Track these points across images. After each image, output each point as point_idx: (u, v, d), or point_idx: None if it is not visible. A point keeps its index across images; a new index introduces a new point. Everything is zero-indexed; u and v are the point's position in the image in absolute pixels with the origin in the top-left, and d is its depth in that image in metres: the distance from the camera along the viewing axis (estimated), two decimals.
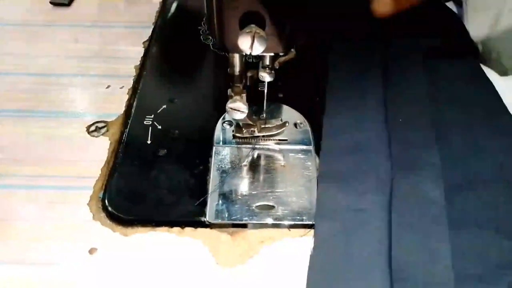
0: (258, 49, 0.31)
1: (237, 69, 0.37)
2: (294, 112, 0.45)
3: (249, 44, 0.31)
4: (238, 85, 0.38)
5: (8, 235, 0.35)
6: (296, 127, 0.44)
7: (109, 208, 0.37)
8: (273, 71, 0.37)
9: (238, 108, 0.38)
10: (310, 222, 0.36)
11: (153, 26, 0.57)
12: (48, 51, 0.53)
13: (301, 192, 0.39)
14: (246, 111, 0.38)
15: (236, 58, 0.36)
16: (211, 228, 0.36)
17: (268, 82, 0.39)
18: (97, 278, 0.33)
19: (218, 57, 0.40)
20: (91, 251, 0.34)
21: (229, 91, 0.39)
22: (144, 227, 0.36)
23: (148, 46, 0.54)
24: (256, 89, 0.43)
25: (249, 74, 0.37)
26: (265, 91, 0.40)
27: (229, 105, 0.38)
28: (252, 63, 0.43)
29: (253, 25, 0.31)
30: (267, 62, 0.37)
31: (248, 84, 0.38)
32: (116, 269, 0.33)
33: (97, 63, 0.52)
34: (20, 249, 0.34)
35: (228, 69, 0.37)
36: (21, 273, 0.33)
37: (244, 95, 0.38)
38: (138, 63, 0.51)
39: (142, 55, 0.53)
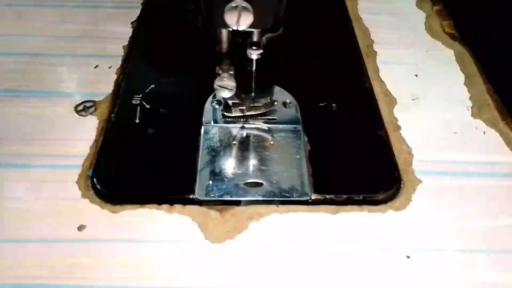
0: (244, 23, 0.31)
1: (224, 45, 0.37)
2: (283, 91, 0.45)
3: (236, 18, 0.31)
4: (226, 62, 0.38)
5: (1, 214, 0.35)
6: (285, 106, 0.44)
7: (98, 186, 0.37)
8: (260, 49, 0.37)
9: (226, 86, 0.38)
10: (298, 199, 0.37)
11: (141, 7, 0.56)
12: (36, 31, 0.52)
13: (289, 170, 0.39)
14: (234, 89, 0.38)
15: (224, 34, 0.36)
16: (200, 205, 0.36)
17: (257, 62, 0.39)
18: (87, 254, 0.33)
19: (207, 36, 0.40)
20: (80, 228, 0.35)
21: (217, 68, 0.38)
22: (132, 204, 0.36)
23: (136, 26, 0.53)
24: (245, 68, 0.42)
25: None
26: (253, 69, 0.40)
27: (217, 82, 0.38)
28: (240, 42, 0.43)
29: (239, 0, 0.31)
30: (255, 38, 0.36)
31: (236, 61, 0.38)
32: (105, 245, 0.34)
33: (85, 43, 0.51)
34: (11, 227, 0.34)
35: (216, 47, 0.37)
36: (13, 250, 0.33)
37: (232, 73, 0.38)
38: (127, 43, 0.51)
39: (130, 35, 0.52)
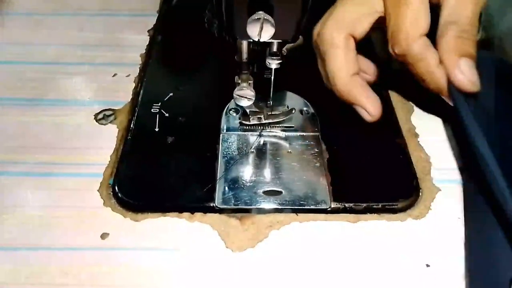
0: (266, 35, 0.31)
1: (244, 56, 0.37)
2: (301, 99, 0.46)
3: (258, 31, 0.31)
4: (245, 72, 0.38)
5: (22, 221, 0.36)
6: (302, 114, 0.45)
7: (119, 194, 0.38)
8: (280, 59, 0.37)
9: (245, 95, 0.38)
10: (317, 207, 0.37)
11: (157, 14, 0.57)
12: (54, 39, 0.53)
13: (308, 178, 0.39)
14: (253, 98, 0.39)
15: (244, 45, 0.37)
16: (220, 213, 0.37)
17: (275, 70, 0.39)
18: (110, 262, 0.34)
19: (223, 44, 0.40)
20: (103, 236, 0.35)
21: (236, 78, 0.39)
22: (154, 212, 0.37)
23: (153, 34, 0.54)
24: (263, 77, 0.43)
25: None
26: (272, 78, 0.40)
27: (237, 92, 0.38)
28: (258, 50, 0.43)
29: (261, 12, 0.31)
30: (274, 49, 0.37)
31: (255, 71, 0.38)
32: (128, 253, 0.34)
33: (103, 51, 0.52)
34: (34, 234, 0.35)
35: (235, 56, 0.38)
36: (37, 257, 0.34)
37: (251, 82, 0.39)
38: (144, 51, 0.52)
39: (147, 43, 0.53)
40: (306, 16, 0.33)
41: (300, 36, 0.36)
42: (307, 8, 0.33)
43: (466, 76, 0.35)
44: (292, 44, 0.37)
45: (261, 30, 0.31)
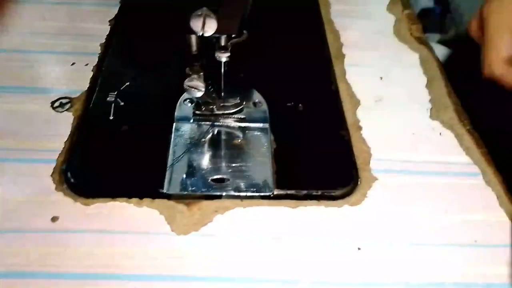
0: (209, 30, 0.33)
1: (193, 48, 0.39)
2: (253, 91, 0.48)
3: (201, 26, 0.33)
4: (196, 64, 0.40)
5: None
6: (254, 106, 0.47)
7: (71, 180, 0.39)
8: (228, 52, 0.39)
9: (195, 86, 0.40)
10: (261, 194, 0.39)
11: (119, 5, 0.58)
12: (15, 28, 0.54)
13: (255, 167, 0.41)
14: (203, 89, 0.40)
15: (193, 38, 0.38)
16: (168, 199, 0.39)
17: (227, 65, 0.41)
18: (59, 244, 0.35)
19: (181, 36, 0.42)
20: (53, 219, 0.37)
21: (187, 69, 0.40)
22: (104, 197, 0.38)
23: (114, 24, 0.55)
24: (216, 70, 0.45)
25: None
26: (222, 70, 0.42)
27: (187, 83, 0.40)
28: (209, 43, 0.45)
29: (204, 8, 0.33)
30: (223, 43, 0.39)
31: (205, 63, 0.40)
32: (77, 236, 0.36)
33: (64, 40, 0.53)
34: None
35: (186, 49, 0.39)
36: None
37: (201, 74, 0.40)
38: (104, 40, 0.53)
39: (107, 33, 0.54)
40: (249, 10, 0.35)
41: (245, 31, 0.38)
42: (250, 4, 0.35)
43: None
44: (240, 39, 0.38)
45: (204, 25, 0.33)
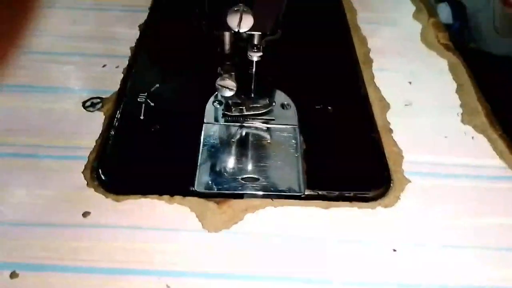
0: (245, 26, 0.33)
1: (226, 47, 0.39)
2: (282, 94, 0.47)
3: (237, 21, 0.33)
4: (228, 63, 0.40)
5: (8, 199, 0.37)
6: (283, 108, 0.46)
7: (103, 177, 0.39)
8: (260, 52, 0.39)
9: (227, 86, 0.40)
10: (292, 194, 0.39)
11: (148, 11, 0.59)
12: (47, 31, 0.55)
13: (285, 167, 0.41)
14: (235, 88, 0.40)
15: (226, 36, 0.38)
16: (199, 197, 0.38)
17: (257, 65, 0.41)
18: (90, 238, 0.35)
19: (210, 39, 0.42)
20: (85, 214, 0.37)
21: (219, 69, 0.41)
22: (135, 194, 0.38)
23: (144, 29, 0.56)
24: (246, 71, 0.45)
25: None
26: (253, 71, 0.42)
27: (219, 82, 0.40)
28: (242, 46, 0.45)
29: (241, 4, 0.33)
30: (255, 41, 0.39)
31: (237, 61, 0.40)
32: (108, 231, 0.36)
33: (94, 43, 0.53)
34: (19, 212, 0.36)
35: (218, 48, 0.39)
36: (21, 233, 0.35)
37: (233, 74, 0.40)
38: (134, 44, 0.53)
39: (137, 37, 0.54)
40: (284, 9, 0.35)
41: (280, 31, 0.38)
42: (285, 2, 0.35)
43: None
44: (273, 37, 0.38)
45: (241, 21, 0.33)
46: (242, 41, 0.41)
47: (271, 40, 0.38)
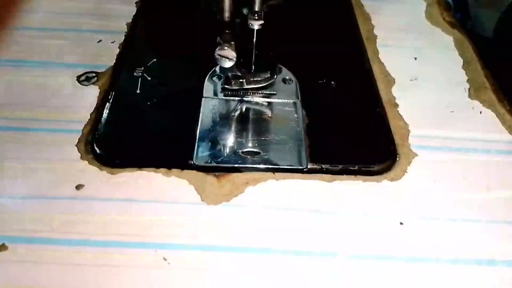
0: None
1: (226, 14, 0.37)
2: (283, 68, 0.46)
3: None
4: (227, 31, 0.38)
5: (1, 172, 0.36)
6: (284, 82, 0.45)
7: (97, 150, 0.38)
8: (261, 20, 0.38)
9: (226, 55, 0.38)
10: (294, 167, 0.37)
11: None
12: (42, 7, 0.53)
13: (287, 140, 0.39)
14: (235, 58, 0.39)
15: (226, 2, 0.37)
16: (198, 170, 0.37)
17: (258, 38, 0.40)
18: (84, 211, 0.33)
19: (209, 15, 0.40)
20: (78, 187, 0.35)
21: (218, 38, 0.39)
22: (130, 167, 0.37)
23: (140, 6, 0.54)
24: (246, 43, 0.43)
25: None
26: (254, 40, 0.40)
27: (218, 52, 0.38)
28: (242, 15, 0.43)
29: None
30: (256, 7, 0.37)
31: (237, 33, 0.39)
32: (102, 204, 0.34)
33: (90, 19, 0.52)
34: (11, 184, 0.35)
35: (217, 15, 0.38)
36: (13, 205, 0.34)
37: (233, 43, 0.39)
38: (130, 20, 0.52)
39: (134, 13, 0.53)
40: None
41: None
42: None
43: None
44: (274, 2, 0.37)
45: None
46: (242, 7, 0.39)
47: (273, 5, 0.37)
